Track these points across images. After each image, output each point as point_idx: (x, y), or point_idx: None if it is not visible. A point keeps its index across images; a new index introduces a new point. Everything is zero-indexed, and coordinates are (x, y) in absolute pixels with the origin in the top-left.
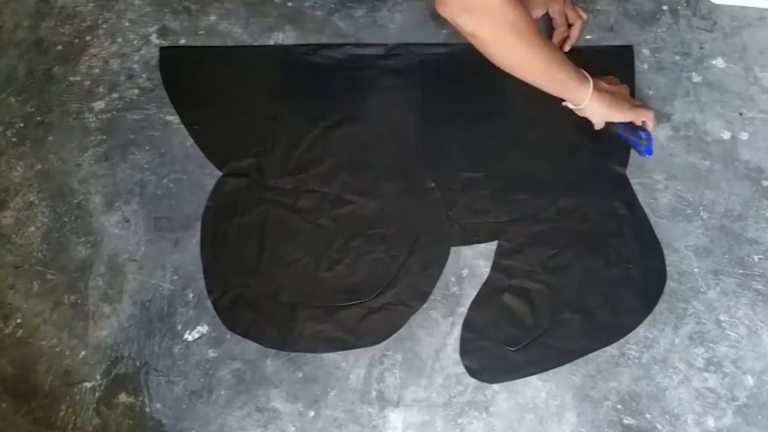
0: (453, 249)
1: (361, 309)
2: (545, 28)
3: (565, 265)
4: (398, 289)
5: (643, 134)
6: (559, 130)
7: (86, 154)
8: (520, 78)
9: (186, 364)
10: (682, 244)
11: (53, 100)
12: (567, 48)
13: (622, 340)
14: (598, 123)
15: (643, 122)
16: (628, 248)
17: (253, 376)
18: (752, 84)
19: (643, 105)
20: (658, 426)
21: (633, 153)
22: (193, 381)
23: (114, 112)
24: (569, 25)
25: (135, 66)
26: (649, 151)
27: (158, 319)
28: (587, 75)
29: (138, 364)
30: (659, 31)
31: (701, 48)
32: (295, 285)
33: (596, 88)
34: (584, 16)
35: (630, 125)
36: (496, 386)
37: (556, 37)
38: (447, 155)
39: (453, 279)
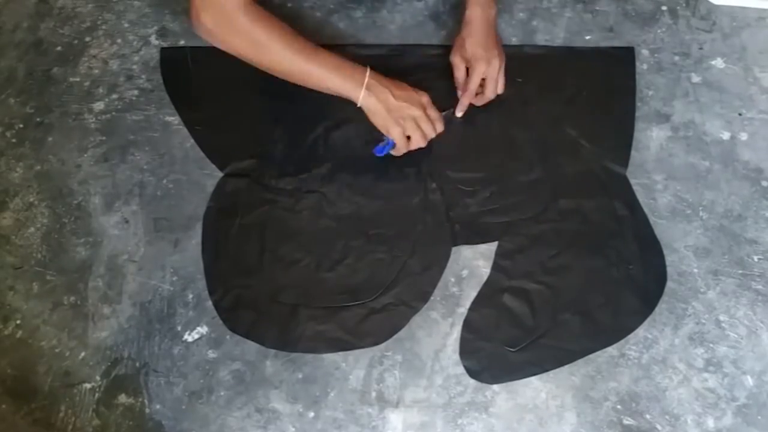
0: (453, 249)
1: (362, 309)
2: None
3: (566, 266)
4: (399, 289)
5: (388, 139)
6: (560, 130)
7: (86, 155)
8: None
9: (186, 365)
10: (681, 244)
11: (53, 101)
12: (458, 113)
13: (621, 341)
14: None
15: None
16: (628, 249)
17: (253, 376)
18: (751, 84)
19: (419, 133)
20: (658, 426)
21: (633, 153)
22: (193, 382)
23: (113, 113)
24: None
25: (134, 67)
26: (381, 151)
27: (158, 320)
28: (364, 79)
29: (138, 365)
30: (658, 31)
31: (700, 48)
32: (296, 285)
33: (373, 95)
34: (500, 90)
35: None
36: (495, 387)
37: (466, 101)
38: (448, 156)
39: (453, 279)
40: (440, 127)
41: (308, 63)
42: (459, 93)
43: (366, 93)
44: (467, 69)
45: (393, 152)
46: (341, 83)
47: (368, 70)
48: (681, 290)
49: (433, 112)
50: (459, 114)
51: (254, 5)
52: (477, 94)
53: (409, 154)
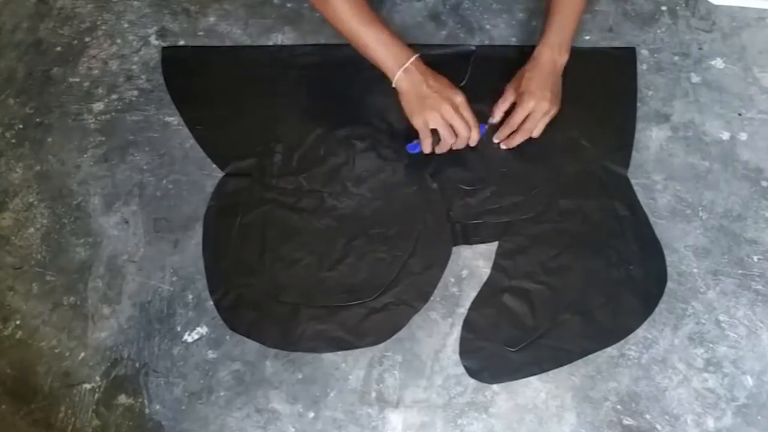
0: (453, 249)
1: (362, 309)
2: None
3: (566, 266)
4: (400, 288)
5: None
6: (560, 130)
7: (85, 156)
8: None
9: (185, 365)
10: (681, 244)
11: (52, 101)
12: (503, 146)
13: (621, 341)
14: None
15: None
16: (628, 249)
17: (253, 377)
18: (751, 84)
19: (453, 122)
20: (658, 426)
21: (634, 154)
22: (193, 382)
23: (113, 114)
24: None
25: (134, 67)
26: (411, 148)
27: (158, 320)
28: (407, 62)
29: (137, 365)
30: (658, 31)
31: (700, 48)
32: (296, 285)
33: (408, 78)
34: (536, 134)
35: None
36: (495, 387)
37: (505, 131)
38: (448, 155)
39: (452, 280)
40: (475, 133)
41: (363, 26)
42: (491, 118)
43: (402, 74)
44: (514, 103)
45: (422, 148)
46: (384, 57)
47: (415, 56)
48: (681, 290)
49: (468, 114)
50: (495, 140)
51: None
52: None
53: (432, 156)
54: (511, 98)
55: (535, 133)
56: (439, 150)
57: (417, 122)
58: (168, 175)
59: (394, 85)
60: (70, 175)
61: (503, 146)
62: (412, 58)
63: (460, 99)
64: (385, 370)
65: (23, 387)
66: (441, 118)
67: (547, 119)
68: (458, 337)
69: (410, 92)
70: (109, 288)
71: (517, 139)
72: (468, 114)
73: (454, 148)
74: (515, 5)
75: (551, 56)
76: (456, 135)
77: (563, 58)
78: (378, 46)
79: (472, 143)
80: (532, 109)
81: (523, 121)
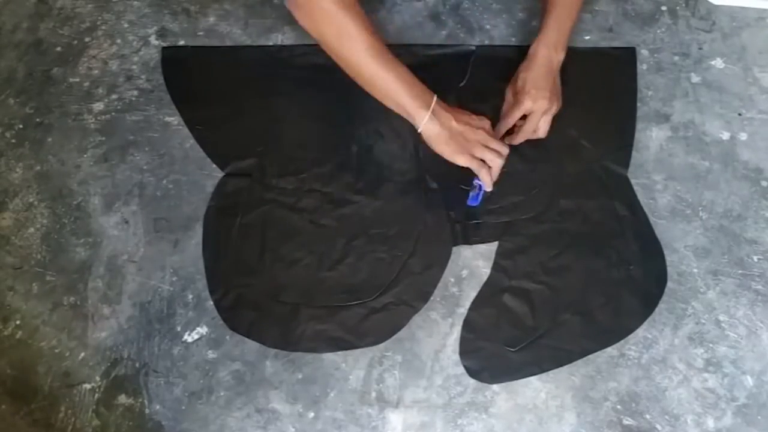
0: (453, 249)
1: (362, 309)
2: None
3: (566, 266)
4: (400, 288)
5: (476, 182)
6: (560, 130)
7: (85, 156)
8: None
9: (185, 365)
10: (681, 244)
11: (52, 101)
12: (515, 141)
13: (621, 341)
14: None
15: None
16: (628, 249)
17: (253, 377)
18: (751, 84)
19: (489, 157)
20: (658, 426)
21: (634, 154)
22: (193, 382)
23: (113, 114)
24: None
25: (134, 67)
26: (475, 201)
27: (158, 320)
28: (431, 103)
29: (137, 365)
30: (658, 31)
31: (700, 48)
32: (296, 285)
33: (435, 119)
34: (541, 134)
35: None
36: (495, 387)
37: (502, 128)
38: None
39: (452, 280)
40: (506, 149)
41: (384, 69)
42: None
43: (430, 117)
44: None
45: (485, 188)
46: (409, 101)
47: (435, 96)
48: (681, 290)
49: (493, 135)
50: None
51: None
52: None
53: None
54: (510, 100)
55: (541, 133)
56: (489, 177)
57: (463, 160)
58: (168, 175)
59: (421, 129)
60: (70, 175)
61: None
62: (434, 98)
63: (487, 124)
64: (385, 370)
65: (23, 387)
66: (482, 146)
67: (548, 118)
68: (458, 337)
69: (442, 133)
70: (109, 288)
71: (518, 140)
72: (493, 134)
73: (497, 171)
74: (515, 5)
75: (547, 54)
76: (500, 156)
77: (560, 56)
78: (402, 88)
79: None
80: (529, 109)
81: (523, 122)
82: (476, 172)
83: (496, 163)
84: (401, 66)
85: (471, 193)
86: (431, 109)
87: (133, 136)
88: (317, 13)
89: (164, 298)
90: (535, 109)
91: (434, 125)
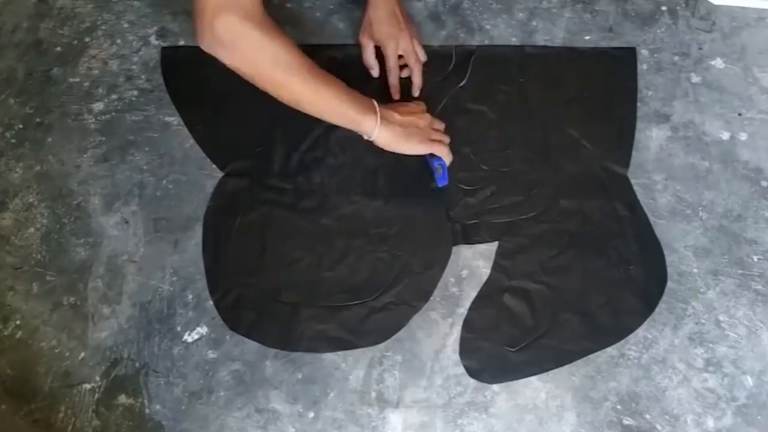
0: (453, 249)
1: (363, 309)
2: None
3: (566, 266)
4: (400, 288)
5: (436, 163)
6: (560, 130)
7: (85, 156)
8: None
9: (185, 365)
10: (681, 244)
11: (52, 101)
12: (416, 93)
13: (621, 341)
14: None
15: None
16: (628, 249)
17: (253, 377)
18: (751, 84)
19: (440, 137)
20: (658, 426)
21: (634, 154)
22: (193, 382)
23: (113, 114)
24: (402, 67)
25: (134, 67)
26: (443, 181)
27: (157, 320)
28: (375, 107)
29: (137, 365)
30: (658, 31)
31: (700, 48)
32: (297, 285)
33: (385, 121)
34: (422, 58)
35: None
36: (495, 387)
37: (394, 79)
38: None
39: (452, 280)
40: (442, 123)
41: (325, 87)
42: (372, 72)
43: (381, 122)
44: (377, 48)
45: (448, 160)
46: (356, 113)
47: (373, 100)
48: (681, 290)
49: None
50: (416, 93)
51: (271, 19)
52: (402, 69)
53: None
54: (370, 48)
55: (422, 57)
56: (450, 155)
57: (423, 148)
58: (168, 175)
59: (374, 137)
60: (70, 175)
61: (416, 93)
62: (375, 102)
63: (422, 105)
64: (385, 370)
65: (23, 387)
66: (433, 129)
67: (417, 41)
68: (458, 337)
69: (396, 131)
70: (109, 288)
71: (417, 78)
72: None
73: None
74: (515, 5)
75: None
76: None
77: None
78: (345, 103)
79: None
80: (397, 49)
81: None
82: (437, 153)
83: (447, 137)
84: (337, 80)
85: (437, 175)
86: (379, 115)
87: (133, 136)
88: (247, 45)
89: (164, 298)
90: (403, 44)
91: (387, 128)
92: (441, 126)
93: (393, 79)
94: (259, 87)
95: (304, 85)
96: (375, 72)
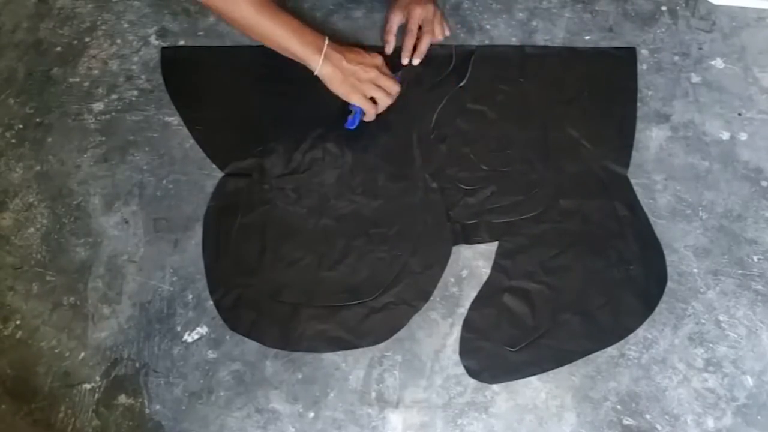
0: (453, 249)
1: (363, 308)
2: None
3: (566, 266)
4: (400, 288)
5: (353, 107)
6: (560, 130)
7: (85, 156)
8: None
9: (185, 365)
10: (681, 244)
11: (52, 101)
12: (416, 61)
13: (621, 341)
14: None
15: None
16: (629, 250)
17: (253, 377)
18: (751, 84)
19: (378, 94)
20: (658, 426)
21: (634, 154)
22: (193, 382)
23: (113, 114)
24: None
25: (134, 67)
26: (352, 124)
27: (158, 320)
28: (323, 47)
29: (137, 365)
30: (658, 31)
31: (700, 48)
32: (297, 285)
33: (328, 61)
34: (447, 33)
35: None
36: (495, 387)
37: (408, 42)
38: (448, 155)
39: (452, 280)
40: (396, 88)
41: (272, 22)
42: (387, 48)
43: (324, 60)
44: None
45: (365, 119)
46: (301, 48)
47: (327, 38)
48: (681, 290)
49: (388, 72)
50: (416, 62)
51: None
52: (419, 39)
53: (382, 116)
54: (397, 19)
55: (447, 32)
56: (371, 117)
57: (355, 99)
58: (168, 175)
59: (317, 73)
60: (70, 175)
61: (416, 61)
62: (326, 41)
63: (379, 60)
64: (385, 370)
65: (23, 387)
66: (373, 84)
67: (439, 16)
68: (458, 337)
69: (336, 74)
70: (109, 288)
71: (424, 47)
72: (388, 72)
73: (383, 108)
74: (515, 5)
75: None
76: (389, 95)
77: None
78: (292, 37)
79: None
80: (421, 15)
81: (421, 32)
82: (365, 109)
83: (384, 102)
84: (288, 15)
85: (349, 117)
86: (323, 53)
87: (133, 136)
88: None
89: (164, 298)
90: (427, 13)
91: (328, 67)
92: (389, 85)
93: (407, 42)
94: (214, 12)
95: (253, 21)
96: (389, 48)
